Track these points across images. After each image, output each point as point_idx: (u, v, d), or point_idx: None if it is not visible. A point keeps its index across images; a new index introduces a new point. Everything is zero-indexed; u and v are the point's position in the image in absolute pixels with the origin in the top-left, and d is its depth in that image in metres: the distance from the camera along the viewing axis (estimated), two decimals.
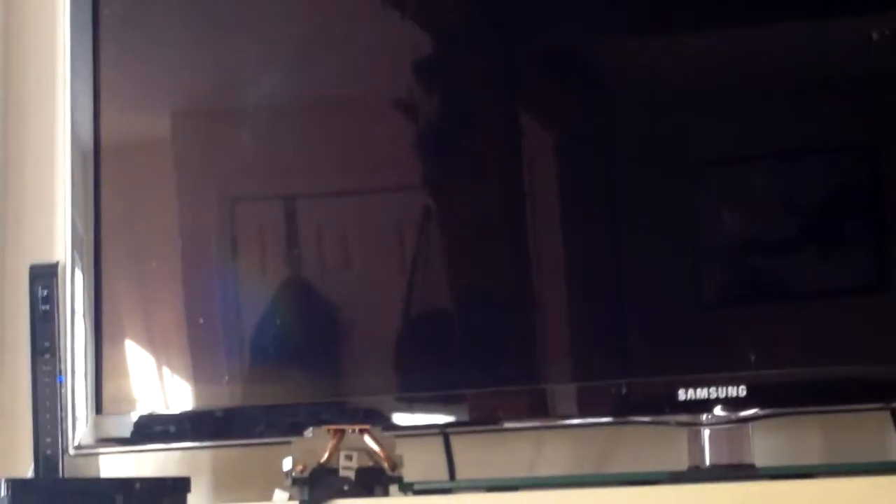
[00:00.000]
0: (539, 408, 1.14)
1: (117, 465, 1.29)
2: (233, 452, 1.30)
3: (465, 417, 1.14)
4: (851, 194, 1.10)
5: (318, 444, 1.04)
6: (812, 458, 1.17)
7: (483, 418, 1.15)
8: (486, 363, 1.15)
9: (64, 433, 1.16)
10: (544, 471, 1.24)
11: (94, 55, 1.26)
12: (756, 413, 1.08)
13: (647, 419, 1.12)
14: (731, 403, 1.06)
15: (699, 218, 1.13)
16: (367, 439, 1.05)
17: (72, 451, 1.18)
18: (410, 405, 1.15)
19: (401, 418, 1.15)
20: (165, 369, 1.23)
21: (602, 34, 1.16)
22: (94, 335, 1.22)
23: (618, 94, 1.16)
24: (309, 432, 1.05)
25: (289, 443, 1.04)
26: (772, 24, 1.11)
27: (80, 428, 1.21)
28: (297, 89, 1.22)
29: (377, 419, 1.13)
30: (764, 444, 1.11)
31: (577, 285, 1.15)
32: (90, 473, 1.19)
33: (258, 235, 1.25)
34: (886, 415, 1.12)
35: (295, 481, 1.04)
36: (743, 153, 1.12)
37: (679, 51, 1.14)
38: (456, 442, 1.19)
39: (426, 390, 1.15)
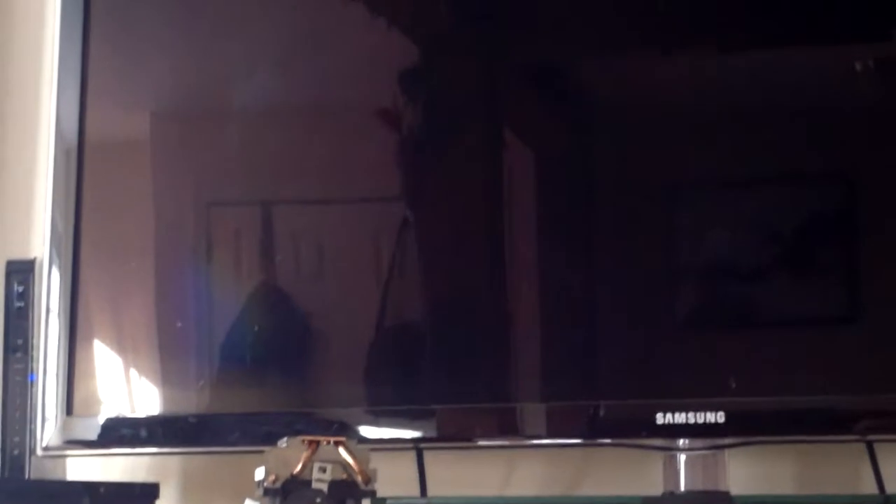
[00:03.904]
0: (510, 427, 1.13)
1: (85, 468, 1.28)
2: (203, 460, 1.28)
3: (435, 433, 1.14)
4: (829, 223, 1.10)
5: (291, 454, 1.03)
6: (786, 488, 1.17)
7: (454, 435, 1.14)
8: (458, 379, 1.14)
9: (32, 433, 1.14)
10: (516, 490, 1.23)
11: (83, 51, 1.25)
12: (734, 441, 1.08)
13: (622, 441, 1.12)
14: (709, 429, 1.06)
15: (681, 241, 1.13)
16: (342, 451, 1.04)
17: (39, 452, 1.17)
18: (382, 418, 1.15)
19: (372, 431, 1.14)
20: (139, 372, 1.22)
21: (587, 53, 1.16)
22: (68, 334, 1.21)
23: (600, 113, 1.16)
24: (283, 442, 1.04)
25: (260, 452, 1.03)
26: (754, 51, 1.11)
27: (48, 428, 1.19)
28: (279, 95, 1.22)
29: (349, 431, 1.12)
30: (739, 472, 1.11)
31: (554, 304, 1.14)
32: (57, 475, 1.18)
33: (234, 240, 1.24)
34: (862, 447, 1.12)
35: (266, 491, 1.02)
36: (722, 178, 1.12)
37: (662, 73, 1.14)
38: (428, 458, 1.19)
39: (397, 403, 1.15)
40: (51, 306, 1.21)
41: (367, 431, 1.14)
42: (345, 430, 1.12)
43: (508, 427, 1.13)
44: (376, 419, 1.14)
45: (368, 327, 1.17)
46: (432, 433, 1.14)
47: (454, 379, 1.14)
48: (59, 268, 1.22)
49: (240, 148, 1.22)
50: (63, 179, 1.23)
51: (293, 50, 1.22)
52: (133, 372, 1.22)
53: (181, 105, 1.26)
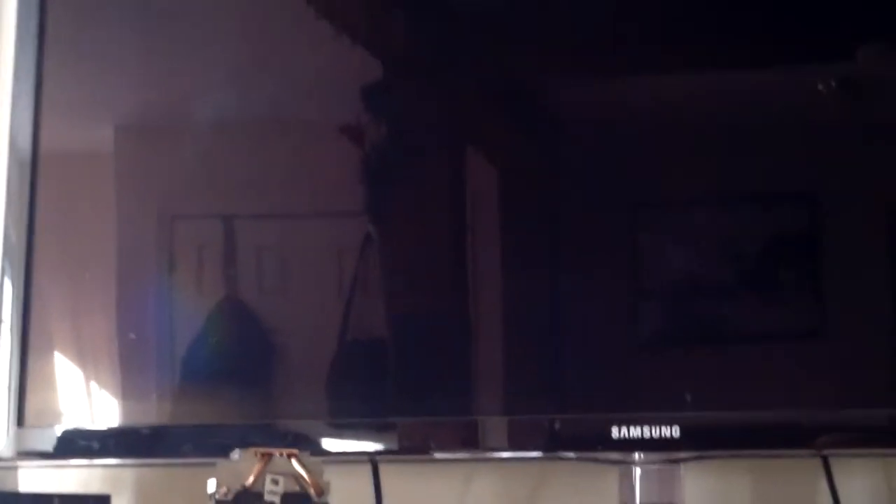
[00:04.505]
0: (470, 440, 1.13)
1: (38, 480, 1.27)
2: (157, 472, 1.28)
3: (395, 446, 1.13)
4: (789, 241, 1.10)
5: (244, 466, 1.03)
6: (743, 503, 1.17)
7: (413, 447, 1.14)
8: (419, 392, 1.14)
9: None
10: None
11: (37, 62, 1.24)
12: (689, 454, 1.08)
13: (578, 455, 1.12)
14: (665, 443, 1.06)
15: (641, 257, 1.13)
16: (295, 464, 1.04)
17: None
18: (340, 431, 1.14)
19: (330, 444, 1.14)
20: (93, 383, 1.21)
21: (551, 72, 1.17)
22: (20, 345, 1.20)
23: (563, 131, 1.16)
24: (235, 454, 1.03)
25: (214, 464, 1.02)
26: (719, 71, 1.11)
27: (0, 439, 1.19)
28: (242, 109, 1.21)
29: (306, 444, 1.12)
30: (695, 486, 1.11)
31: (515, 319, 1.14)
32: (8, 487, 1.17)
33: (196, 254, 1.23)
34: (817, 462, 1.12)
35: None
36: (685, 196, 1.13)
37: (626, 92, 1.14)
38: (384, 471, 1.18)
39: (357, 416, 1.14)
40: (2, 316, 1.20)
41: (324, 444, 1.13)
42: (301, 443, 1.11)
43: (467, 440, 1.13)
44: (334, 432, 1.14)
45: (330, 341, 1.17)
46: (393, 446, 1.13)
47: (415, 393, 1.14)
48: (12, 278, 1.21)
49: (203, 162, 1.22)
50: (16, 189, 1.23)
51: (258, 65, 1.22)
52: (86, 383, 1.21)
53: (143, 118, 1.25)
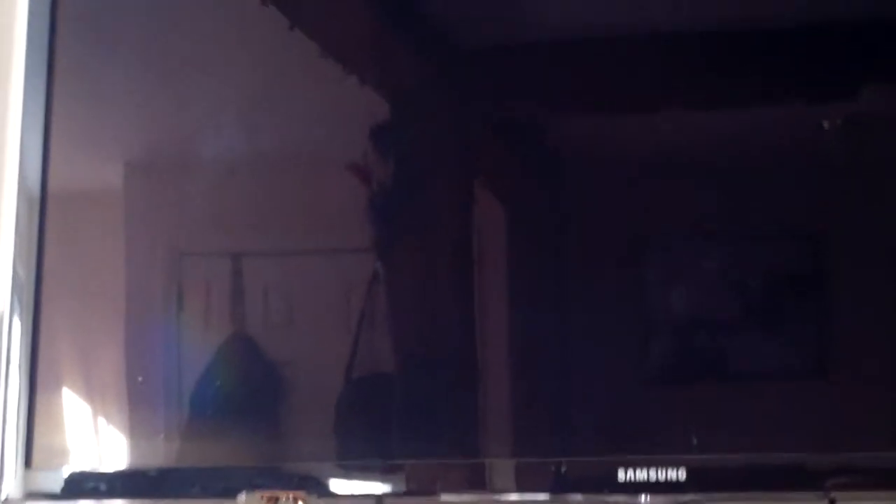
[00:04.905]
0: (477, 482, 1.13)
1: None
2: None
3: (402, 488, 1.13)
4: (796, 279, 1.10)
5: None
6: None
7: (419, 490, 1.14)
8: (427, 433, 1.14)
9: None
10: None
11: (46, 100, 1.25)
12: (695, 497, 1.08)
13: (585, 498, 1.12)
14: (671, 486, 1.06)
15: (647, 297, 1.13)
16: None
17: None
18: (347, 472, 1.14)
19: (337, 485, 1.14)
20: (101, 424, 1.21)
21: (557, 109, 1.17)
22: (28, 385, 1.20)
23: (569, 168, 1.16)
24: (242, 497, 1.03)
25: None
26: (725, 109, 1.12)
27: (7, 481, 1.19)
28: (250, 146, 1.22)
29: (313, 485, 1.11)
30: None
31: (522, 359, 1.14)
32: None
33: (204, 291, 1.23)
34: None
35: None
36: (691, 234, 1.13)
37: (632, 130, 1.14)
38: None
39: (363, 457, 1.14)
40: (11, 357, 1.21)
41: (331, 486, 1.13)
42: (307, 485, 1.11)
43: (474, 482, 1.13)
44: (341, 473, 1.14)
45: (337, 380, 1.17)
46: (400, 488, 1.13)
47: (421, 434, 1.14)
48: (20, 317, 1.21)
49: (212, 199, 1.22)
50: (25, 228, 1.23)
51: (266, 103, 1.22)
52: (94, 424, 1.21)
53: (152, 156, 1.25)
